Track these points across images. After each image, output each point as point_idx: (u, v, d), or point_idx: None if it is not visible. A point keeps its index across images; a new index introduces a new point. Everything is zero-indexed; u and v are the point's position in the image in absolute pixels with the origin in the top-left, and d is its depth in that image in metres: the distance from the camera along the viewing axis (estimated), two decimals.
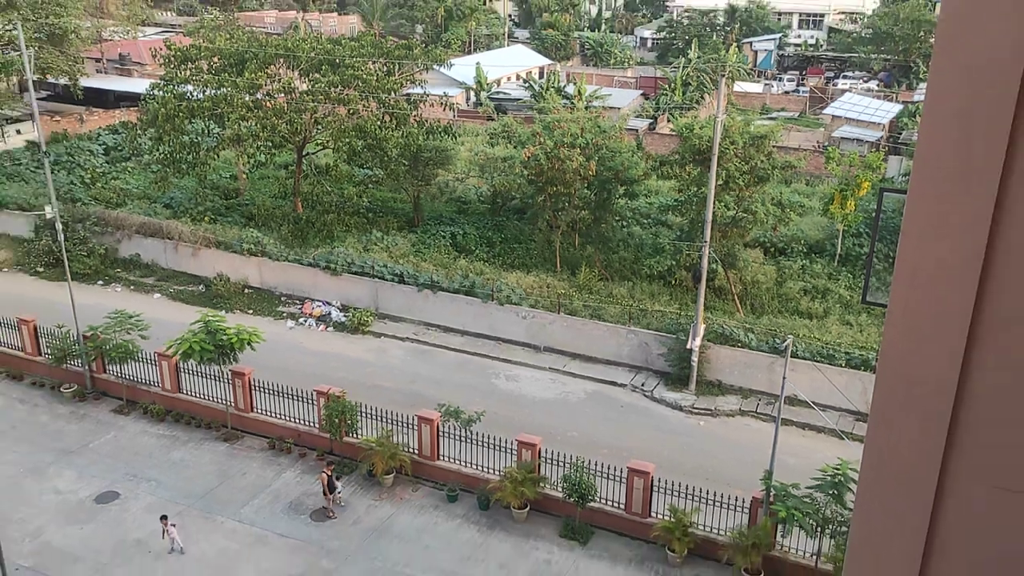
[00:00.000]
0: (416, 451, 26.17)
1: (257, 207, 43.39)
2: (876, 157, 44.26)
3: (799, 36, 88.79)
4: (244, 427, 28.46)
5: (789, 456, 23.83)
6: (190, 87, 40.58)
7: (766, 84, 77.86)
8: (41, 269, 40.49)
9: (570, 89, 61.56)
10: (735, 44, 78.98)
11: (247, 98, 39.31)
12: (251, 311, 36.96)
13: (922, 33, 72.86)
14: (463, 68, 68.74)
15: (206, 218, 42.10)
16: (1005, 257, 2.44)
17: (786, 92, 75.64)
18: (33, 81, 34.66)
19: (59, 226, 32.20)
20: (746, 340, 30.95)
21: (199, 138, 41.53)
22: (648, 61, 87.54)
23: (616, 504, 24.04)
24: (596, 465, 24.06)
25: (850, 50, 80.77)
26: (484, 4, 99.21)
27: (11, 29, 49.08)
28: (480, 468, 25.52)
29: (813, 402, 26.41)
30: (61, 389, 30.79)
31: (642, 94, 70.79)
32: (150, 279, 40.20)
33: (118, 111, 60.07)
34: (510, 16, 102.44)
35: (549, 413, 29.71)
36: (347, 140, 38.99)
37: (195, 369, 28.47)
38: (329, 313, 36.69)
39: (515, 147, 41.66)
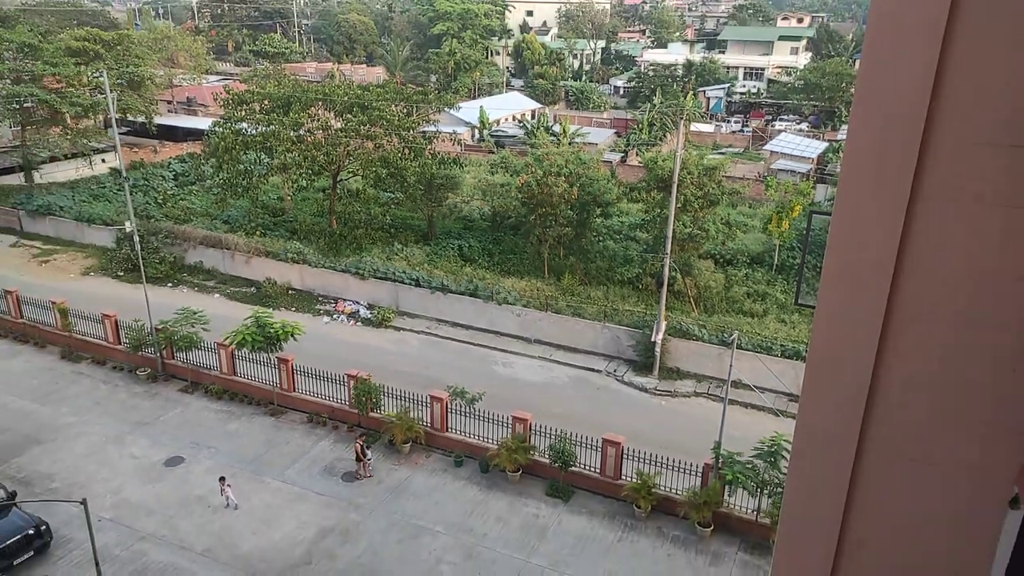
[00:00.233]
0: (429, 424, 26.12)
1: (299, 223, 43.29)
2: (806, 185, 44.31)
3: (744, 86, 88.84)
4: (287, 404, 28.39)
5: (735, 430, 23.82)
6: (245, 124, 40.51)
7: (716, 125, 77.82)
8: (121, 273, 40.33)
9: (556, 128, 61.48)
10: (691, 92, 78.95)
11: (292, 134, 39.23)
12: (294, 309, 36.86)
13: (844, 84, 72.99)
14: (469, 110, 68.74)
15: (257, 232, 41.99)
16: (912, 266, 2.45)
17: (733, 132, 75.64)
18: (116, 119, 34.54)
19: (136, 238, 32.15)
20: (700, 334, 30.94)
21: (252, 166, 41.44)
22: (620, 106, 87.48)
23: (593, 469, 24.02)
24: (576, 436, 24.04)
25: (785, 97, 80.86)
26: (486, 58, 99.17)
27: (98, 76, 48.98)
28: (481, 439, 25.48)
29: (755, 385, 26.43)
30: (137, 372, 30.70)
31: (615, 132, 70.74)
32: (211, 282, 40.09)
33: (185, 144, 59.93)
34: (508, 68, 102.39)
35: (538, 393, 29.67)
36: (374, 169, 38.93)
37: (247, 356, 28.39)
38: (358, 311, 36.61)
39: (511, 175, 41.64)
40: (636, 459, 23.40)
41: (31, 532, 20.72)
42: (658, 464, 23.13)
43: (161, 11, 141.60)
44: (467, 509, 23.17)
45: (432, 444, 26.01)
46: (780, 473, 20.96)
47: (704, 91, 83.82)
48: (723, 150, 64.55)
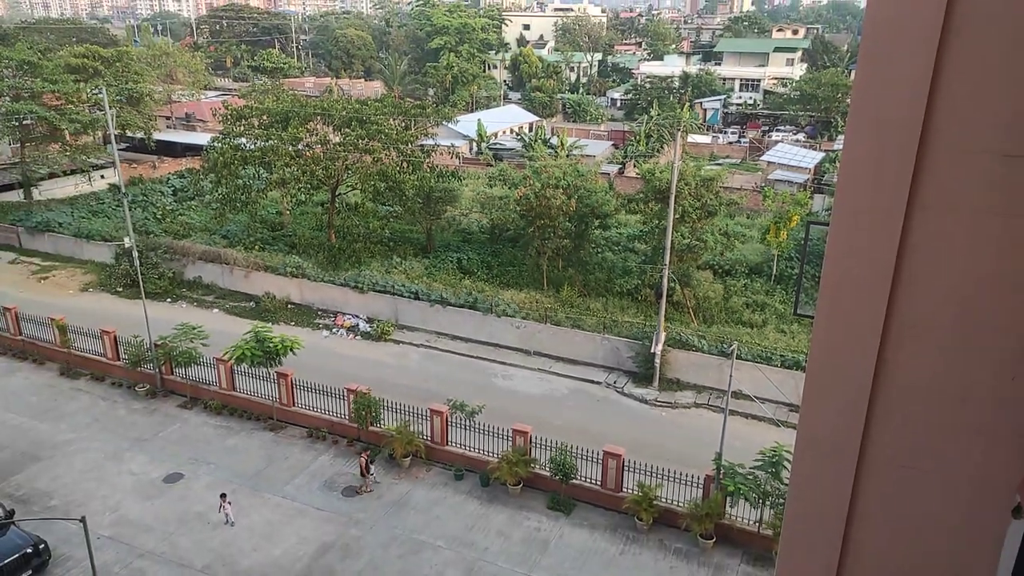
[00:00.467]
0: (429, 438, 26.03)
1: (298, 237, 43.32)
2: (804, 196, 44.40)
3: (740, 97, 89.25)
4: (287, 419, 28.29)
5: (735, 440, 23.76)
6: (244, 140, 40.61)
7: (713, 136, 78.14)
8: (120, 289, 40.30)
9: (554, 141, 61.68)
10: (688, 104, 79.34)
11: (290, 149, 39.36)
12: (293, 323, 36.81)
13: (840, 95, 73.35)
14: (467, 124, 68.98)
15: (256, 247, 41.99)
16: (909, 276, 2.45)
17: (730, 143, 75.93)
18: (115, 135, 34.63)
19: (135, 254, 32.16)
20: (699, 345, 30.90)
21: (251, 181, 41.51)
22: (617, 118, 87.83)
23: (594, 481, 23.91)
24: (577, 449, 23.96)
25: (782, 108, 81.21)
26: (484, 72, 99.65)
27: (97, 93, 49.18)
28: (482, 452, 25.38)
29: (755, 396, 26.38)
30: (136, 388, 30.61)
31: (613, 144, 70.97)
32: (210, 297, 40.05)
33: (184, 159, 60.07)
34: (505, 81, 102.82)
35: (538, 406, 29.59)
36: (372, 183, 39.00)
37: (247, 371, 28.32)
38: (357, 324, 36.56)
39: (509, 188, 41.68)
40: (637, 471, 23.29)
41: (29, 551, 20.59)
42: (659, 476, 23.03)
43: (160, 28, 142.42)
44: (468, 523, 23.05)
45: (432, 458, 25.90)
46: (782, 484, 20.88)
47: (701, 103, 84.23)
48: (720, 161, 64.75)
